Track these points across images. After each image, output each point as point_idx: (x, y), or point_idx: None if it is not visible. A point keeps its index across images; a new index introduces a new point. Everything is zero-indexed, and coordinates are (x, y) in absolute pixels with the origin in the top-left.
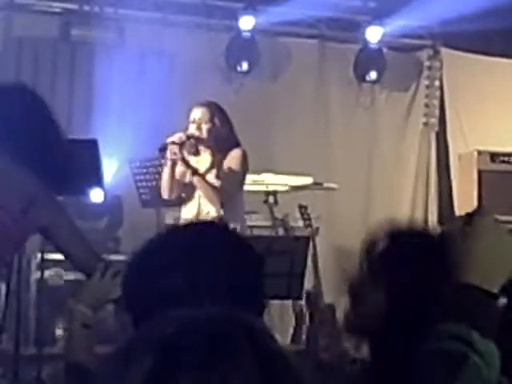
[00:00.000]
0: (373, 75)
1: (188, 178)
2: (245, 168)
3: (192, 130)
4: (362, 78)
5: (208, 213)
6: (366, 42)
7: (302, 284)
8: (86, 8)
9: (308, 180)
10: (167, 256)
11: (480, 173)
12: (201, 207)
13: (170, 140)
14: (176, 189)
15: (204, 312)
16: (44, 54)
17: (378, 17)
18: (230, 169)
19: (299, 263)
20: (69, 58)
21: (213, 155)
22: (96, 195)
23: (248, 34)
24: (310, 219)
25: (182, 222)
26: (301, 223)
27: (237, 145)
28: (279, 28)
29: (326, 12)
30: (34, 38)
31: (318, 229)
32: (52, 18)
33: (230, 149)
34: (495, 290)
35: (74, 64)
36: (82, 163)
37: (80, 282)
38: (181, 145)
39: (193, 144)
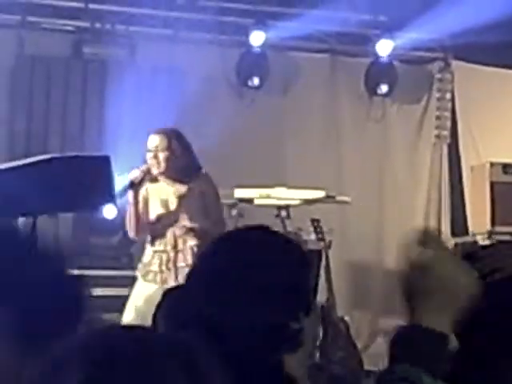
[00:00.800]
0: (384, 88)
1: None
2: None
3: (149, 160)
4: (372, 91)
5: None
6: (376, 56)
7: (314, 296)
8: (98, 26)
9: (320, 193)
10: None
11: (492, 184)
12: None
13: (127, 183)
14: (143, 228)
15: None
16: (56, 72)
17: (389, 30)
18: (214, 201)
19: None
20: (81, 76)
21: (172, 185)
22: (109, 211)
23: (258, 49)
24: (322, 232)
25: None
26: (313, 236)
27: (199, 169)
28: (289, 43)
29: (336, 26)
30: (47, 55)
31: (330, 242)
32: (64, 35)
33: (191, 176)
34: (445, 331)
35: (86, 81)
36: (94, 180)
37: (108, 297)
38: (139, 184)
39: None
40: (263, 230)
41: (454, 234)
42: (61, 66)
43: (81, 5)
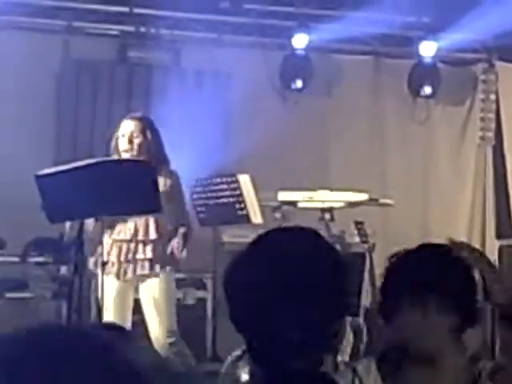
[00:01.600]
0: (427, 90)
1: None
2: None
3: (123, 145)
4: (416, 92)
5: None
6: (420, 57)
7: (359, 301)
8: (143, 30)
9: (364, 196)
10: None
11: None
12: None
13: None
14: None
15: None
16: (102, 76)
17: (432, 32)
18: (179, 192)
19: (356, 279)
20: (126, 80)
21: None
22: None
23: (302, 51)
24: (366, 235)
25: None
26: (357, 239)
27: (167, 162)
28: (333, 45)
29: (380, 28)
30: (92, 60)
31: (374, 245)
32: (109, 40)
33: (160, 164)
34: None
35: (131, 85)
36: (139, 184)
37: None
38: None
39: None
40: (297, 231)
41: (499, 236)
42: (106, 70)
43: (126, 9)
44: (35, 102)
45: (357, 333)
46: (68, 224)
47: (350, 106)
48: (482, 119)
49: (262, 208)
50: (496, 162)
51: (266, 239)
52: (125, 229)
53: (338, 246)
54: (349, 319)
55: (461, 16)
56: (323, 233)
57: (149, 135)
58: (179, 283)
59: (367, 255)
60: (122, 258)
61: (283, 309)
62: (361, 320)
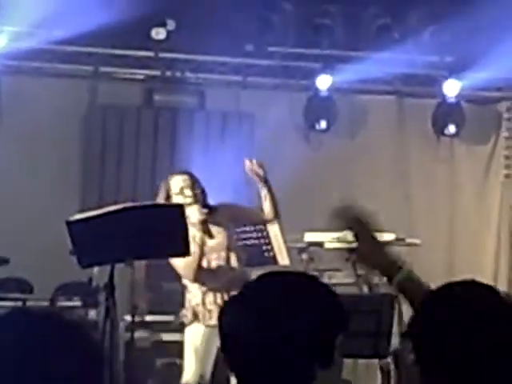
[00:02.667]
0: (451, 129)
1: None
2: None
3: (186, 198)
4: (440, 132)
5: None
6: (443, 96)
7: (388, 342)
8: (168, 74)
9: (390, 236)
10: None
11: None
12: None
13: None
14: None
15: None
16: (128, 120)
17: (455, 71)
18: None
19: (386, 321)
20: (152, 123)
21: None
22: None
23: (325, 92)
24: None
25: None
26: (384, 280)
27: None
28: (356, 86)
29: (403, 68)
30: (118, 104)
31: None
32: (135, 84)
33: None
34: None
35: (157, 128)
36: (168, 228)
37: (166, 342)
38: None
39: None
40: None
41: None
42: (132, 114)
43: (151, 54)
44: (62, 146)
45: (386, 375)
46: (96, 269)
47: (374, 146)
48: (507, 157)
49: (289, 249)
50: None
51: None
52: (216, 279)
53: (365, 287)
54: (378, 361)
55: (483, 55)
56: (350, 273)
57: (198, 188)
58: None
59: (395, 296)
60: (216, 305)
61: None
62: (390, 360)
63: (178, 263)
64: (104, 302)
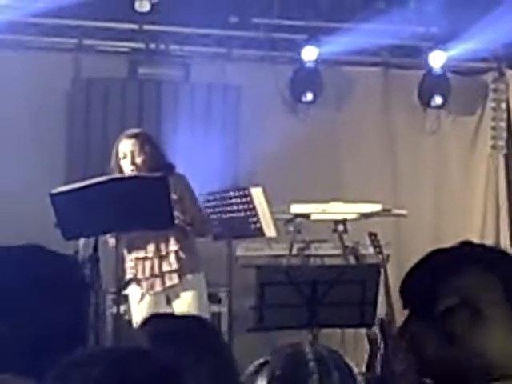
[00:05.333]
0: (438, 100)
1: None
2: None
3: (127, 166)
4: (427, 103)
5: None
6: (429, 68)
7: (374, 312)
8: (152, 46)
9: (377, 207)
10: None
11: None
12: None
13: None
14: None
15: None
16: (112, 93)
17: (441, 42)
18: (192, 199)
19: (371, 291)
20: (137, 96)
21: None
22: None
23: (311, 64)
24: (380, 246)
25: None
26: (371, 251)
27: (172, 168)
28: (342, 57)
29: (389, 39)
30: (103, 77)
31: (388, 256)
32: (119, 57)
33: (167, 173)
34: None
35: (142, 101)
36: (151, 200)
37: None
38: None
39: None
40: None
41: None
42: (117, 87)
43: (135, 26)
44: (46, 120)
45: (373, 344)
46: (82, 241)
47: (360, 118)
48: (493, 128)
49: (275, 221)
50: (508, 170)
51: None
52: (145, 246)
53: (352, 258)
54: (365, 330)
55: (470, 25)
56: (337, 245)
57: (148, 150)
58: None
59: (382, 266)
60: (148, 274)
61: None
62: (377, 330)
63: None
64: (89, 274)
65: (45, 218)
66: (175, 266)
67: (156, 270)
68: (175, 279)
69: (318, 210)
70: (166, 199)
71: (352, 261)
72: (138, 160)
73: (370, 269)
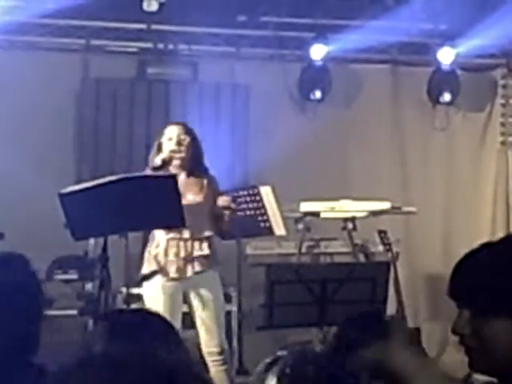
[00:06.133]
0: (447, 97)
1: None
2: None
3: (171, 145)
4: (436, 100)
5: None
6: (438, 64)
7: (384, 309)
8: (161, 46)
9: (386, 205)
10: None
11: None
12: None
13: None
14: None
15: None
16: (121, 93)
17: (450, 38)
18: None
19: (381, 289)
20: (146, 96)
21: (187, 176)
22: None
23: (320, 62)
24: (389, 244)
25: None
26: (381, 248)
27: (206, 168)
28: (351, 55)
29: (397, 37)
30: (111, 78)
31: (398, 253)
32: (128, 57)
33: (204, 169)
34: None
35: (150, 101)
36: (160, 199)
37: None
38: (167, 164)
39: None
40: None
41: None
42: (125, 87)
43: (143, 26)
44: (55, 121)
45: None
46: (92, 241)
47: (369, 115)
48: (503, 124)
49: (285, 219)
50: None
51: None
52: (181, 228)
53: (361, 256)
54: None
55: (478, 22)
56: (347, 242)
57: (193, 139)
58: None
59: (391, 264)
60: (183, 255)
61: None
62: None
63: None
64: (99, 274)
65: (54, 219)
66: (207, 251)
67: (190, 252)
68: (205, 265)
69: (327, 208)
70: (176, 198)
71: (361, 258)
72: (184, 142)
73: (379, 266)
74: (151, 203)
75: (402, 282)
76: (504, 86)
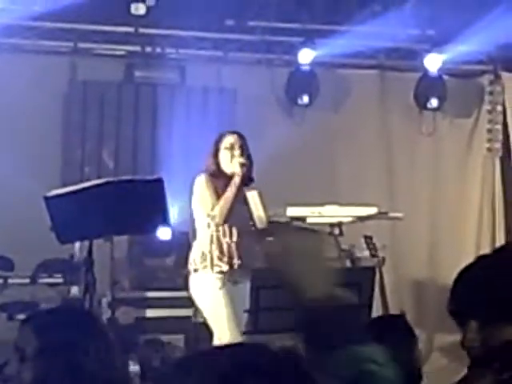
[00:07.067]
0: (434, 102)
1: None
2: None
3: (233, 157)
4: (423, 105)
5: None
6: (425, 70)
7: (370, 314)
8: (148, 49)
9: (372, 210)
10: None
11: None
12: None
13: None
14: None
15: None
16: (108, 96)
17: (437, 44)
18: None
19: (366, 294)
20: (133, 99)
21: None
22: (163, 233)
23: (307, 67)
24: (375, 249)
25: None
26: (367, 253)
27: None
28: (338, 60)
29: (385, 42)
30: (99, 81)
31: (384, 258)
32: (115, 60)
33: (251, 180)
34: None
35: (137, 104)
36: (148, 202)
37: (163, 318)
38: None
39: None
40: None
41: None
42: (113, 90)
43: (131, 29)
44: (42, 123)
45: None
46: (78, 245)
47: (356, 120)
48: (489, 130)
49: (271, 224)
50: (504, 172)
51: None
52: (223, 228)
53: (347, 261)
54: None
55: (465, 28)
56: (333, 248)
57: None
58: (190, 301)
59: (377, 269)
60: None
61: None
62: None
63: None
64: (84, 277)
65: (40, 221)
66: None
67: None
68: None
69: (313, 213)
70: (162, 201)
71: (347, 264)
72: (246, 154)
73: (365, 272)
74: (137, 207)
75: (388, 287)
76: (491, 93)
